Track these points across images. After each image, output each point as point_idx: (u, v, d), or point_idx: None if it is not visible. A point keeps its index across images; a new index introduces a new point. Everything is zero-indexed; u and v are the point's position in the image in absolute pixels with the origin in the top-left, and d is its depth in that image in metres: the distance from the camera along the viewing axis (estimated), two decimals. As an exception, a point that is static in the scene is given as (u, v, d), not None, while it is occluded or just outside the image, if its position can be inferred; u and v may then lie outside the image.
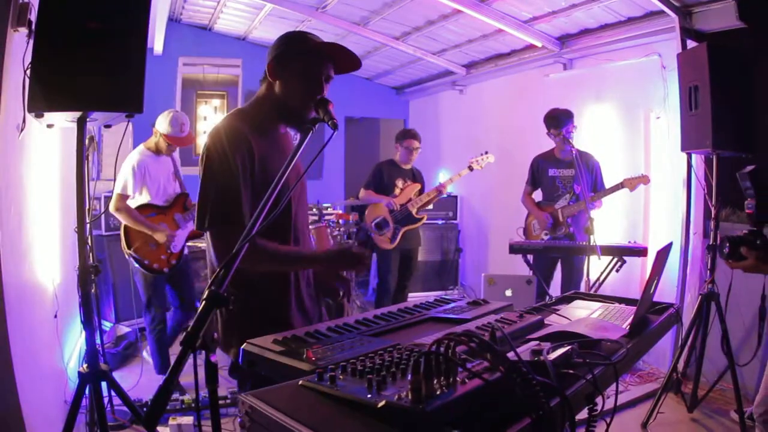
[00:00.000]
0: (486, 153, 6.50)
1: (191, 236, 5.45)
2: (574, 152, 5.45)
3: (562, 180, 6.01)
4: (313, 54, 2.46)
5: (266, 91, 2.56)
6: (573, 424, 1.42)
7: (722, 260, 3.16)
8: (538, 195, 6.31)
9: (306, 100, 2.41)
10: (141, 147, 5.28)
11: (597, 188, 5.85)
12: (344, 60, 2.52)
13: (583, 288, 5.07)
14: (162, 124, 5.21)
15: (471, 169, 6.47)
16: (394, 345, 1.70)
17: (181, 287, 5.51)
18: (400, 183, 6.63)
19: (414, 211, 6.52)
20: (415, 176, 6.81)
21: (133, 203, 5.12)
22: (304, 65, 2.44)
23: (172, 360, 1.35)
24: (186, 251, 5.56)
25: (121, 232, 5.15)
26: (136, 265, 5.14)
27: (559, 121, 5.74)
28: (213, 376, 1.37)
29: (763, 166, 3.51)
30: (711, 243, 4.66)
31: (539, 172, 6.17)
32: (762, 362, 4.50)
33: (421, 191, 6.68)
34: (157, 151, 5.27)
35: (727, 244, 3.04)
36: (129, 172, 5.04)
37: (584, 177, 5.49)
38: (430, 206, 6.76)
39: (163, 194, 5.30)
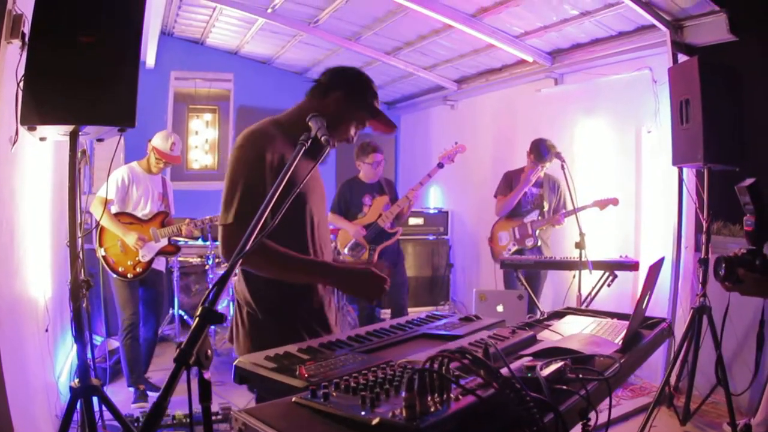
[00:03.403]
0: (456, 143, 6.26)
1: (163, 252, 5.51)
2: (542, 176, 6.24)
3: (531, 197, 6.35)
4: (375, 114, 2.69)
5: (308, 104, 2.63)
6: (566, 440, 1.42)
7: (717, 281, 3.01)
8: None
9: (338, 135, 2.60)
10: (134, 163, 5.51)
11: (559, 207, 6.35)
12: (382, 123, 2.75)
13: (574, 303, 5.07)
14: (157, 138, 5.41)
15: (441, 166, 6.15)
16: (387, 362, 1.69)
17: (150, 303, 5.63)
18: (367, 200, 6.34)
19: (386, 226, 6.22)
20: (383, 188, 6.46)
21: (113, 210, 5.24)
22: (362, 116, 2.68)
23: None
24: (162, 267, 5.71)
25: (96, 232, 5.29)
26: (105, 266, 5.27)
27: (541, 156, 6.04)
28: (207, 393, 1.36)
29: (755, 179, 3.45)
30: (703, 257, 4.66)
31: (513, 188, 6.41)
32: (758, 381, 4.51)
33: (393, 201, 6.34)
34: (148, 169, 5.47)
35: (723, 265, 2.80)
36: (114, 182, 5.19)
37: (553, 196, 6.31)
38: (421, 220, 6.62)
39: (145, 209, 5.43)
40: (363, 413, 1.29)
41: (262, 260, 2.36)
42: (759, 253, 2.80)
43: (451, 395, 1.34)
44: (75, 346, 3.03)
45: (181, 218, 5.52)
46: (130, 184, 5.33)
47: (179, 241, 5.89)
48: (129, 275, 5.28)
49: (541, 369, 1.57)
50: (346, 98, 2.60)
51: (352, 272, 2.56)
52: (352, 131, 2.67)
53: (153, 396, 5.42)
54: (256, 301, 2.54)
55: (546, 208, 6.28)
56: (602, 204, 5.82)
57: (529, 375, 1.52)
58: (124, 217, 5.28)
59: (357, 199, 6.34)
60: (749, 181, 3.08)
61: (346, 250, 6.27)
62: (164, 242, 5.46)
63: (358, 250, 6.23)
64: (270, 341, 2.38)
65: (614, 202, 5.82)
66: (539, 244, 6.24)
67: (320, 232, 2.67)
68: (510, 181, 6.45)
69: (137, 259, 5.28)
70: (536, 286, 6.24)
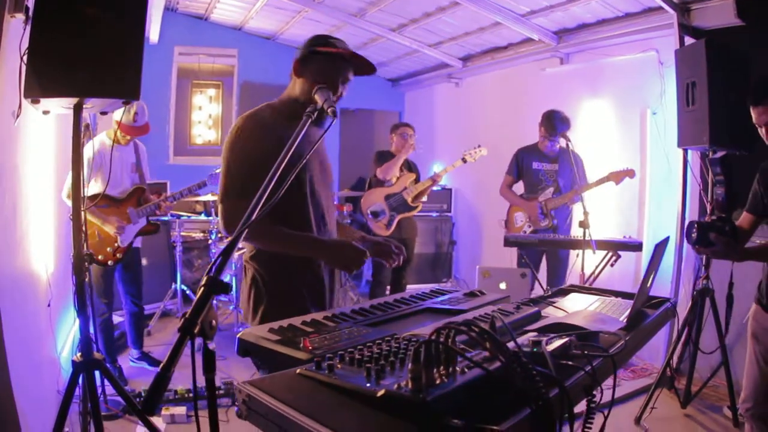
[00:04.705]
0: (479, 146, 6.54)
1: (142, 232, 5.31)
2: (557, 148, 6.04)
3: (546, 173, 6.20)
4: (333, 57, 2.62)
5: (292, 83, 2.73)
6: (572, 415, 1.42)
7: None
8: (518, 188, 6.48)
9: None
10: (102, 135, 5.16)
11: (578, 182, 6.06)
12: (361, 65, 2.70)
13: (577, 281, 5.06)
14: (119, 110, 5.07)
15: (464, 161, 6.54)
16: (392, 335, 1.69)
17: (130, 281, 5.46)
18: (396, 172, 6.64)
19: (409, 200, 6.56)
20: (410, 166, 6.86)
21: (86, 191, 4.93)
22: (323, 66, 2.61)
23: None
24: (138, 244, 5.45)
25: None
26: None
27: (553, 128, 5.94)
28: (211, 364, 1.35)
29: (726, 152, 3.52)
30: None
31: (523, 165, 6.33)
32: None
33: (416, 181, 6.71)
34: (117, 140, 5.11)
35: (695, 229, 3.11)
36: (85, 160, 4.89)
37: (568, 171, 5.97)
38: (425, 198, 6.72)
39: (119, 185, 5.17)
40: (368, 385, 1.29)
41: (260, 236, 2.51)
42: (728, 219, 3.16)
43: (457, 368, 1.33)
44: (77, 321, 3.03)
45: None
46: (102, 161, 4.93)
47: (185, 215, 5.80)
48: (110, 263, 5.07)
49: (547, 344, 1.56)
50: (308, 57, 2.64)
51: (334, 244, 2.69)
52: (340, 88, 2.63)
53: (155, 370, 5.42)
54: (261, 262, 2.65)
55: (562, 184, 6.11)
56: (618, 177, 5.58)
57: (535, 350, 1.52)
58: (98, 200, 4.87)
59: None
60: (720, 153, 3.26)
61: (369, 213, 6.55)
62: (143, 222, 5.27)
63: (379, 214, 6.52)
64: (275, 302, 2.59)
65: (630, 174, 5.57)
66: (555, 223, 6.08)
67: (320, 200, 2.75)
68: (518, 159, 6.34)
69: (116, 245, 5.05)
70: (556, 265, 6.16)
